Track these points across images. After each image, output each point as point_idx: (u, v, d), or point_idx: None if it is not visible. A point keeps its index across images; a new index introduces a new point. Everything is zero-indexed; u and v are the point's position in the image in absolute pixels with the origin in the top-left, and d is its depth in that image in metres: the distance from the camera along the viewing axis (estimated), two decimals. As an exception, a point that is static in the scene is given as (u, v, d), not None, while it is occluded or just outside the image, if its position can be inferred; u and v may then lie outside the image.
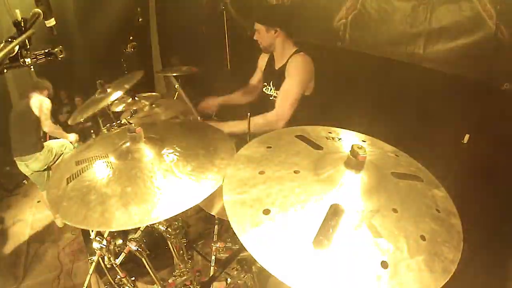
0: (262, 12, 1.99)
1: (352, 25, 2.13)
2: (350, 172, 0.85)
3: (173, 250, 1.56)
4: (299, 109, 1.93)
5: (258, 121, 1.87)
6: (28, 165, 2.94)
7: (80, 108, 2.58)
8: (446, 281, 0.69)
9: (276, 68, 2.01)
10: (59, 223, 3.10)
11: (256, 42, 1.96)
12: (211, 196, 1.08)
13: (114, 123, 2.51)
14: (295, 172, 0.90)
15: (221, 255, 1.70)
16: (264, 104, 2.13)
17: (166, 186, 1.03)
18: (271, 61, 2.09)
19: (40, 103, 3.11)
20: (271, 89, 2.05)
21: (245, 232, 0.76)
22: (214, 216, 1.62)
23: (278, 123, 1.85)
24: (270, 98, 2.05)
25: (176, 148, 1.21)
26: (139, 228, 1.98)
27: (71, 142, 3.37)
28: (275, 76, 2.00)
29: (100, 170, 1.13)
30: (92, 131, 3.20)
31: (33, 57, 0.93)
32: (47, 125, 3.12)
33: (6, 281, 2.49)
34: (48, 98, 3.26)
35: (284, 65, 1.93)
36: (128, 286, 1.77)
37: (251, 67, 2.23)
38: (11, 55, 0.84)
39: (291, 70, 1.87)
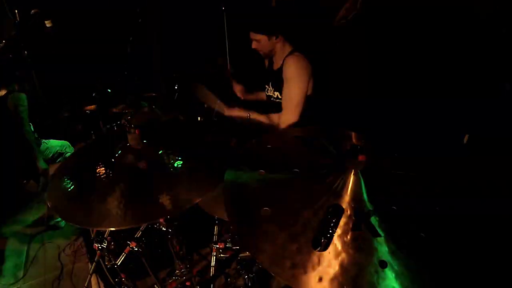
0: (262, 21, 1.84)
1: (352, 25, 2.14)
2: (350, 172, 0.85)
3: (173, 250, 1.56)
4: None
5: (261, 119, 1.88)
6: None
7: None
8: (445, 281, 0.69)
9: (275, 69, 2.00)
10: (59, 223, 3.10)
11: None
12: (211, 197, 1.08)
13: (114, 124, 2.51)
14: (295, 172, 0.90)
15: (221, 255, 1.70)
16: (267, 104, 2.12)
17: (166, 186, 1.03)
18: (270, 63, 2.07)
19: (13, 104, 2.50)
20: (270, 90, 2.04)
21: (245, 232, 0.76)
22: (214, 216, 1.62)
23: (281, 126, 1.85)
24: (271, 99, 2.04)
25: (176, 148, 1.21)
26: (139, 228, 1.98)
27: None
28: (274, 77, 1.98)
29: (100, 170, 1.13)
30: (92, 131, 3.20)
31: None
32: (24, 134, 2.56)
33: (6, 281, 2.49)
34: (24, 91, 2.58)
35: (281, 66, 1.90)
36: (128, 286, 1.78)
37: (251, 67, 2.22)
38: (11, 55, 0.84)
39: (286, 74, 1.82)
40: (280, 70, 1.88)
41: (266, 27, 1.81)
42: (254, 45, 1.88)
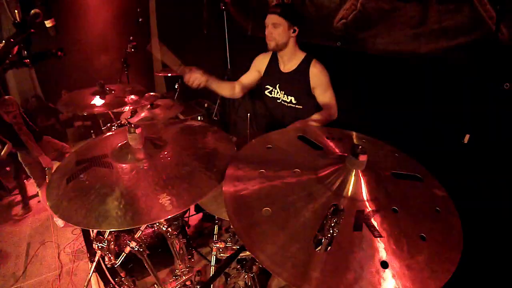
0: (287, 7, 1.87)
1: (352, 25, 2.13)
2: (350, 172, 0.85)
3: (173, 250, 1.56)
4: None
5: (319, 118, 1.87)
6: (29, 152, 2.89)
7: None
8: (447, 281, 0.69)
9: (284, 71, 1.96)
10: (59, 223, 3.10)
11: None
12: (211, 197, 1.07)
13: (114, 123, 2.51)
14: (295, 172, 0.90)
15: (221, 255, 1.70)
16: (270, 106, 2.10)
17: (166, 186, 1.03)
18: (273, 62, 2.03)
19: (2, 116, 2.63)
20: (277, 92, 2.01)
21: (245, 231, 0.76)
22: (214, 216, 1.62)
23: (335, 117, 1.93)
24: (278, 101, 2.01)
25: (176, 148, 1.21)
26: (139, 228, 1.98)
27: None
28: (283, 80, 1.96)
29: (100, 170, 1.13)
30: (92, 131, 3.20)
31: (34, 57, 0.93)
32: (21, 135, 2.71)
33: (6, 281, 2.49)
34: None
35: (297, 71, 1.90)
36: (128, 286, 1.77)
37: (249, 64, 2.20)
38: (11, 55, 0.84)
39: (319, 81, 1.87)
40: (294, 74, 1.90)
41: (291, 13, 1.82)
42: (269, 30, 1.85)
